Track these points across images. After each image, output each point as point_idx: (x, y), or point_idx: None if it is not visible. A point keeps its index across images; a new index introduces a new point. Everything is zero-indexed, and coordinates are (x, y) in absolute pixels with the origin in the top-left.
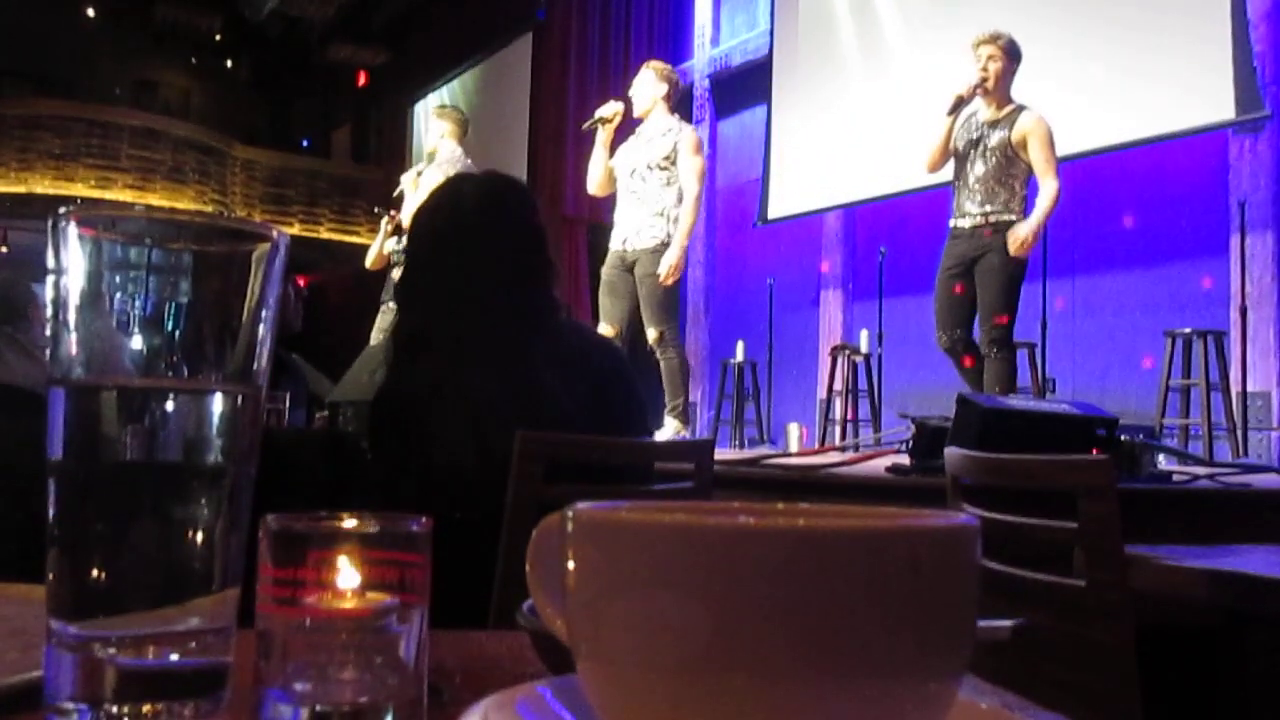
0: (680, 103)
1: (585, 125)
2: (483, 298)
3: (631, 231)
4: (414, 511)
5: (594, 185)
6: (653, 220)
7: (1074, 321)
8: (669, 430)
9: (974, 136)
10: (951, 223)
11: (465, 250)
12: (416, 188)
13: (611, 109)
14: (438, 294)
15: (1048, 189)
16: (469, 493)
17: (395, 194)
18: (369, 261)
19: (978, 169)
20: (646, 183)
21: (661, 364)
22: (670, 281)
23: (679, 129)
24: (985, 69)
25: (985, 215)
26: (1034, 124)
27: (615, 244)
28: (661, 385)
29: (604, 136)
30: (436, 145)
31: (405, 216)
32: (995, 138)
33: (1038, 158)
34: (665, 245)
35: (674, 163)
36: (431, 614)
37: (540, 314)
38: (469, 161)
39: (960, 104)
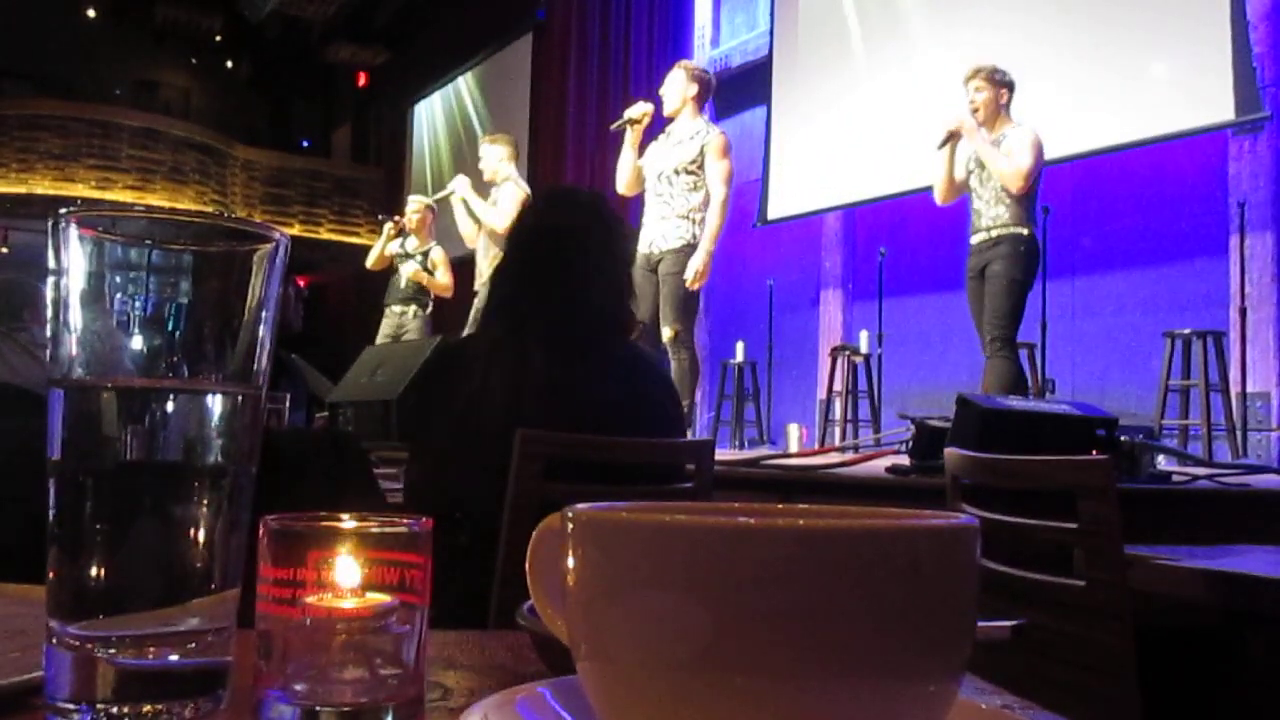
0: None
1: (613, 126)
2: (574, 293)
3: (658, 235)
4: (433, 463)
5: (623, 185)
6: (678, 223)
7: (1074, 321)
8: None
9: (976, 160)
10: (970, 239)
11: (564, 250)
12: (470, 202)
13: (640, 110)
14: (530, 281)
15: (1019, 167)
16: (485, 462)
17: (425, 200)
18: (370, 262)
19: (984, 192)
20: (673, 186)
21: (672, 364)
22: (695, 286)
23: (706, 131)
24: (973, 100)
25: (990, 230)
26: (1018, 135)
27: (643, 247)
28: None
29: (632, 137)
30: (498, 168)
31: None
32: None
33: (1015, 158)
34: (691, 246)
35: (701, 167)
36: (431, 614)
37: (616, 324)
38: (523, 180)
39: (951, 138)
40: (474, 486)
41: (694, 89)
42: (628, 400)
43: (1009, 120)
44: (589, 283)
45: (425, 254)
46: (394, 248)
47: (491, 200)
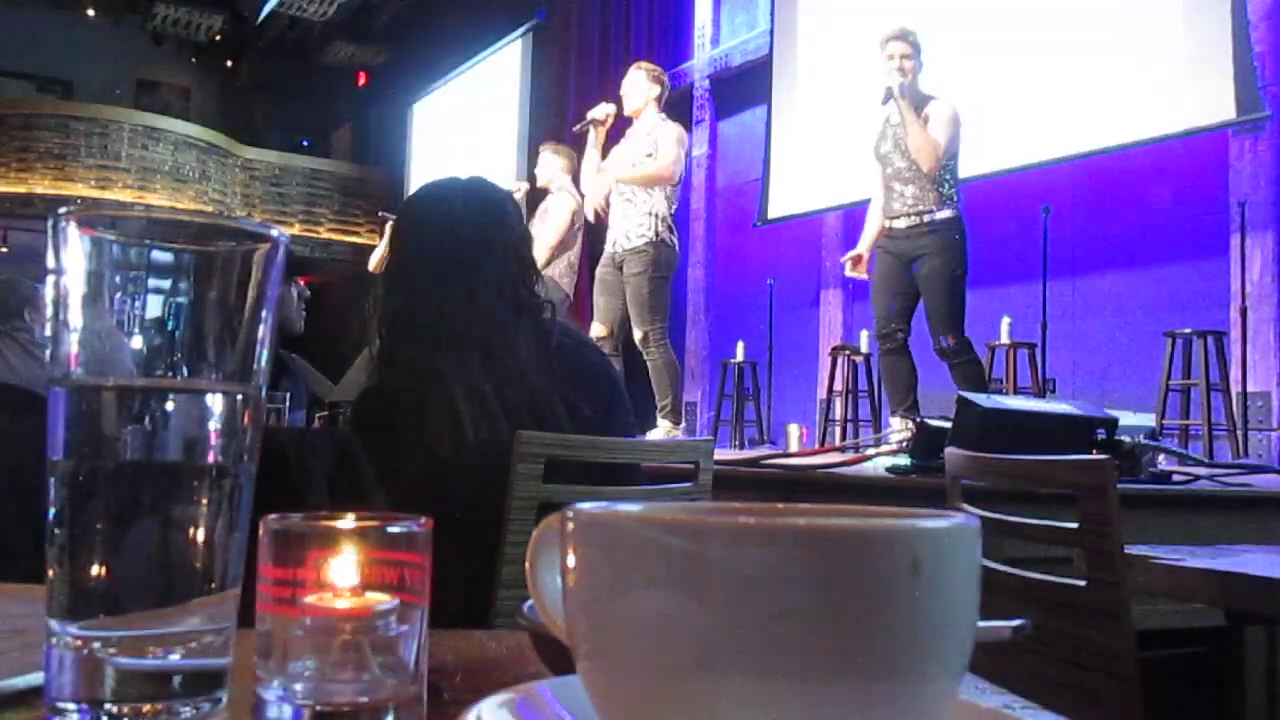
0: (680, 102)
1: (577, 127)
2: (468, 289)
3: (621, 234)
4: (406, 508)
5: (586, 186)
6: (640, 220)
7: (1074, 321)
8: (660, 430)
9: (891, 138)
10: (886, 224)
11: (453, 244)
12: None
13: (603, 111)
14: (424, 283)
15: (938, 144)
16: (457, 486)
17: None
18: (372, 265)
19: (902, 170)
20: (632, 185)
21: (648, 364)
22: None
23: (660, 125)
24: (903, 68)
25: (920, 215)
26: (940, 109)
27: (609, 246)
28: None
29: (595, 137)
30: (553, 177)
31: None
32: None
33: (935, 134)
34: (652, 243)
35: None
36: (431, 614)
37: (524, 309)
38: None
39: (890, 95)
40: (470, 490)
41: (655, 90)
42: (580, 400)
43: (920, 94)
44: (483, 278)
45: None
46: None
47: (542, 209)
